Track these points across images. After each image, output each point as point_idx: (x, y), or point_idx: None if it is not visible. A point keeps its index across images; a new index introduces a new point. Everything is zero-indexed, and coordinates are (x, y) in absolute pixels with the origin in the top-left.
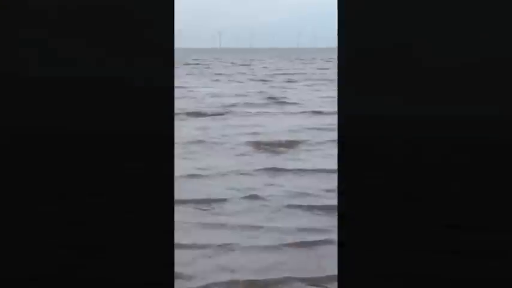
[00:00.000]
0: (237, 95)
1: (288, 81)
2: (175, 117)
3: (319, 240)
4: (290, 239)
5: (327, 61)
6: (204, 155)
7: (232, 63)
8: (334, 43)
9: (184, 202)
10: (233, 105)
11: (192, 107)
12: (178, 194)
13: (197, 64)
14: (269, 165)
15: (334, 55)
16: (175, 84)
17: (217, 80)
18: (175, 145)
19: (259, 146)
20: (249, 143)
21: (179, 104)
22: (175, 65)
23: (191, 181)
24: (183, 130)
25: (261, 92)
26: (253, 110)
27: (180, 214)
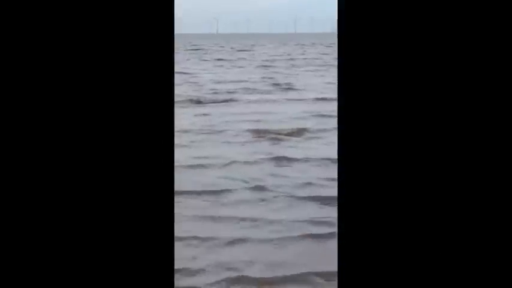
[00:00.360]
0: (240, 81)
1: (292, 67)
2: (177, 105)
3: (329, 233)
4: (299, 232)
5: (328, 46)
6: (208, 143)
7: (231, 48)
8: (331, 28)
9: (188, 193)
10: (235, 91)
11: (194, 93)
12: (179, 185)
13: (197, 50)
14: (275, 154)
15: (334, 40)
16: (177, 69)
17: (220, 66)
18: (179, 133)
19: (265, 133)
20: (254, 131)
21: (180, 91)
22: (176, 51)
23: (193, 171)
24: (184, 117)
25: (264, 77)
26: (256, 97)
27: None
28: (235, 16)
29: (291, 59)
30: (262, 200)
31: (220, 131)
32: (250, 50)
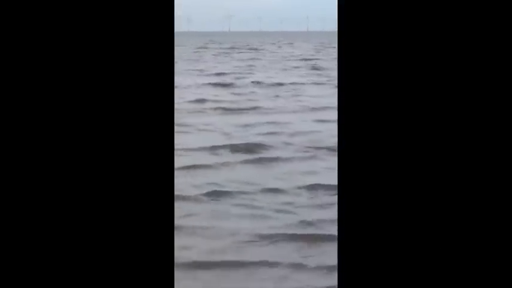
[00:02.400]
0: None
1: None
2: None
3: None
4: None
5: None
6: None
7: (257, 48)
8: None
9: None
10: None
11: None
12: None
13: (231, 48)
14: None
15: None
16: (229, 70)
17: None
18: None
19: None
20: None
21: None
22: (201, 49)
23: None
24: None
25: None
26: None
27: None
28: (246, 14)
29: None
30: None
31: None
32: (281, 47)
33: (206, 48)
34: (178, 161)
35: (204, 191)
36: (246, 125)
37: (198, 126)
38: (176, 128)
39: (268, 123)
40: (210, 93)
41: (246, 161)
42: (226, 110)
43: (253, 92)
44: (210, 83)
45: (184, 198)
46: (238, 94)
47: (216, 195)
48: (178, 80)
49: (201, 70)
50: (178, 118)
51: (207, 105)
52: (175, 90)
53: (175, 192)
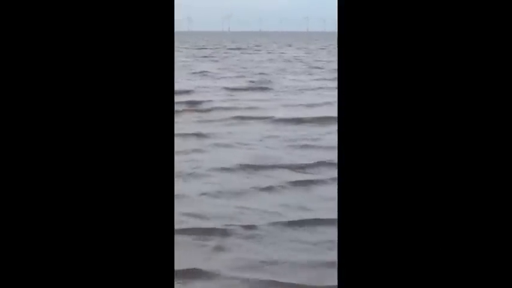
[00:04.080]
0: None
1: None
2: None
3: None
4: None
5: None
6: None
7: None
8: None
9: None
10: None
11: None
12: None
13: (245, 48)
14: None
15: None
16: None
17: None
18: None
19: None
20: None
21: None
22: (216, 51)
23: None
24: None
25: None
26: None
27: None
28: (246, 14)
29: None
30: None
31: None
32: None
33: (240, 48)
34: None
35: None
36: None
37: None
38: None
39: None
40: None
41: None
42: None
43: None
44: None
45: None
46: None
47: None
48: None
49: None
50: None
51: None
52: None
53: None
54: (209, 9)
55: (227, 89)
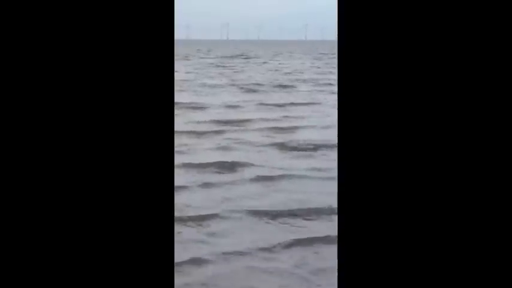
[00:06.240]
0: None
1: None
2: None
3: None
4: None
5: None
6: None
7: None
8: None
9: None
10: None
11: None
12: None
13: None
14: None
15: None
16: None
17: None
18: None
19: None
20: None
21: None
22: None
23: None
24: None
25: None
26: None
27: None
28: (245, 23)
29: None
30: None
31: None
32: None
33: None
34: None
35: None
36: None
37: None
38: None
39: None
40: None
41: None
42: None
43: None
44: None
45: None
46: None
47: None
48: None
49: None
50: None
51: None
52: None
53: None
54: (207, 17)
55: None
